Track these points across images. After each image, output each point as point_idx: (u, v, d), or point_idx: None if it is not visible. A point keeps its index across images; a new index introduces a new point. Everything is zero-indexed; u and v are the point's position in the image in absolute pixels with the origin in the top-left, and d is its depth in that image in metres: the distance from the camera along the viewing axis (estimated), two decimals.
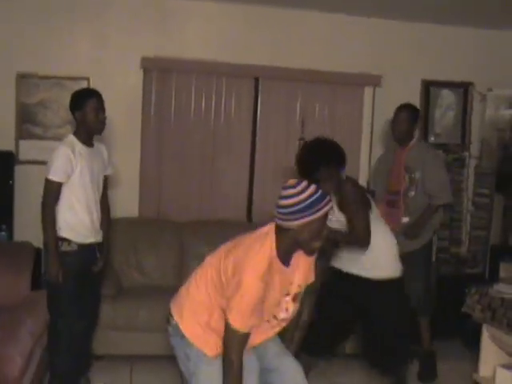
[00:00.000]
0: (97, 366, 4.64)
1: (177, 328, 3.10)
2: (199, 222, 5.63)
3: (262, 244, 2.94)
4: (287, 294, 3.07)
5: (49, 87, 5.44)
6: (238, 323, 2.86)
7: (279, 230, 2.94)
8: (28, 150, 5.42)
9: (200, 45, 5.66)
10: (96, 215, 4.14)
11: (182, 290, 3.19)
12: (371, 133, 6.05)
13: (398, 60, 6.04)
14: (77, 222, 4.02)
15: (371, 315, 4.09)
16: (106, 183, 4.34)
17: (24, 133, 5.43)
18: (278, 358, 3.23)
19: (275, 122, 5.93)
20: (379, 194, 4.96)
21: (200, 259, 5.30)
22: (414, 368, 4.95)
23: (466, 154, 6.20)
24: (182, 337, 3.08)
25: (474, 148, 6.28)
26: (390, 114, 5.84)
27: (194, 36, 5.66)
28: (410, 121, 4.85)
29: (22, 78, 5.37)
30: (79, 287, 4.00)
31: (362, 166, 6.08)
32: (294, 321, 3.32)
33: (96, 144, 4.20)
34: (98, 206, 4.17)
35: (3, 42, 5.32)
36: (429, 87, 6.17)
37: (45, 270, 4.16)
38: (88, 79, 5.44)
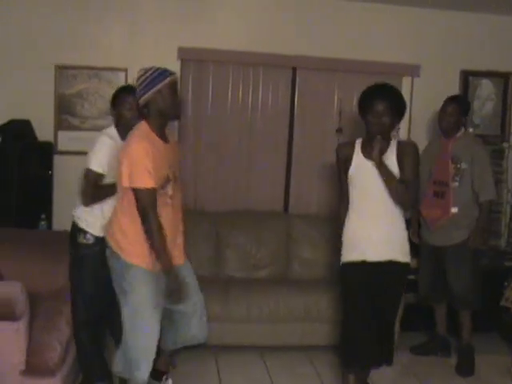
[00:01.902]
0: None
1: (110, 247, 3.61)
2: (236, 212, 5.64)
3: (136, 130, 3.55)
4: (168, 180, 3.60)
5: (87, 78, 5.49)
6: (140, 182, 3.42)
7: (146, 116, 3.58)
8: (66, 140, 5.47)
9: (237, 35, 5.64)
10: None
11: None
12: (409, 123, 5.98)
13: (437, 50, 5.96)
14: (99, 214, 3.92)
15: (387, 300, 3.92)
16: None
17: (63, 124, 5.49)
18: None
19: (312, 112, 5.90)
20: (423, 183, 4.88)
21: (236, 250, 5.41)
22: (452, 361, 4.93)
23: (506, 145, 6.11)
24: (118, 257, 3.57)
25: None
26: (429, 105, 5.79)
27: (230, 26, 5.64)
28: (458, 113, 4.79)
29: (61, 70, 5.42)
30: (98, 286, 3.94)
31: None
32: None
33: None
34: None
35: (42, 34, 5.37)
36: (468, 77, 6.08)
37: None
38: (126, 70, 5.47)
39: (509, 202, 6.11)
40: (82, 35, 5.43)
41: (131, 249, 3.55)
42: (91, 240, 3.92)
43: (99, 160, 3.81)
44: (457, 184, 4.75)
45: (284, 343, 4.96)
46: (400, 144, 3.94)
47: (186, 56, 5.59)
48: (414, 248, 5.19)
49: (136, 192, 3.44)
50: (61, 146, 5.47)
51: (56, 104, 5.46)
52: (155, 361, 3.71)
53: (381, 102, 3.78)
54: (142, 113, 3.61)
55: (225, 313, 4.81)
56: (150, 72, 3.57)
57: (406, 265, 3.90)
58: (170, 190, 3.61)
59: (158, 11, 5.55)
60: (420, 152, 5.04)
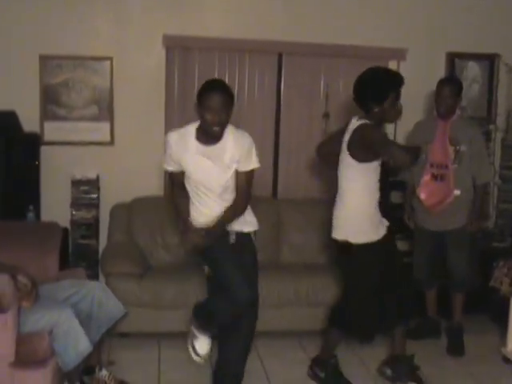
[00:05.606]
0: (123, 343, 4.72)
1: None
2: None
3: None
4: None
5: (72, 68, 5.46)
6: None
7: None
8: (53, 131, 5.46)
9: (222, 21, 5.62)
10: None
11: None
12: None
13: (422, 33, 5.94)
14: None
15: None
16: None
17: (48, 114, 5.47)
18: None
19: (299, 97, 5.88)
20: (419, 165, 4.79)
21: None
22: (442, 343, 4.96)
23: (493, 126, 6.12)
24: None
25: (501, 121, 6.19)
26: (415, 88, 5.78)
27: (215, 13, 5.62)
28: (454, 95, 4.71)
29: (45, 60, 5.39)
30: None
31: None
32: None
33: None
34: None
35: (25, 24, 5.33)
36: (454, 60, 6.07)
37: None
38: (111, 59, 5.46)
39: (496, 184, 6.12)
40: (67, 24, 5.39)
41: None
42: None
43: None
44: (456, 166, 4.68)
45: (275, 328, 4.96)
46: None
47: (171, 43, 5.56)
48: (406, 232, 5.24)
49: None
50: (47, 137, 5.44)
51: (41, 94, 5.43)
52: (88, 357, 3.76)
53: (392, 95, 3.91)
54: None
55: None
56: None
57: None
58: None
59: None
60: (411, 130, 5.10)
